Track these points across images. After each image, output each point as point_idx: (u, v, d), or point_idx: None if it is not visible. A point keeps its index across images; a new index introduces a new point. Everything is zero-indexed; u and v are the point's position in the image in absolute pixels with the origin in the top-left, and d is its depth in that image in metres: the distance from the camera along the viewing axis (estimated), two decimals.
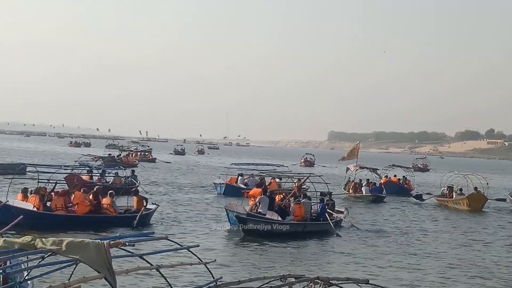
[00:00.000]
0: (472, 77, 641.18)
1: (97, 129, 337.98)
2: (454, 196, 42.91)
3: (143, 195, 29.68)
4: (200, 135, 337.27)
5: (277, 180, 41.87)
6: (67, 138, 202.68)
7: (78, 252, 7.43)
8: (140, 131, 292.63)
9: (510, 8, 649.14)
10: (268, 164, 61.04)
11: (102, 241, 7.57)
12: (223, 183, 43.21)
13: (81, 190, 26.39)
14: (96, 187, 27.75)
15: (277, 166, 57.05)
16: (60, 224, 23.80)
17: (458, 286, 18.48)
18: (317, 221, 27.86)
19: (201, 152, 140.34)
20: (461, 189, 43.54)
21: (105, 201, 26.21)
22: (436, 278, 19.24)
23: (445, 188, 44.93)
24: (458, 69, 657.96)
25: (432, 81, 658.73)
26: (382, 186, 46.43)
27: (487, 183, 45.10)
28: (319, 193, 31.34)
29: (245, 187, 40.07)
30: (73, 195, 25.96)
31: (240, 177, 44.15)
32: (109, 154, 72.43)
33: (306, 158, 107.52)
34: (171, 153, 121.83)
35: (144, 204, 27.37)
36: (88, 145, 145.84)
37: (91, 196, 25.78)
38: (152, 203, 29.19)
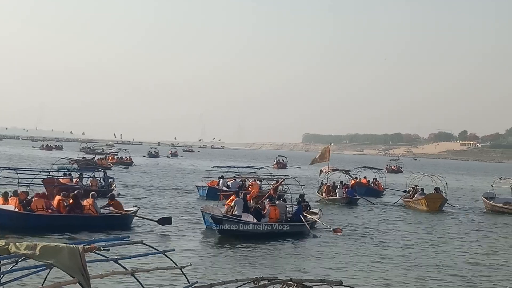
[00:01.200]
0: (445, 80, 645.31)
1: (71, 132, 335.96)
2: (415, 197, 43.53)
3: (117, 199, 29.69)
4: (175, 138, 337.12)
5: (258, 182, 42.05)
6: (40, 142, 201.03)
7: (52, 256, 7.40)
8: (114, 134, 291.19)
9: (479, 14, 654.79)
10: (248, 167, 61.48)
11: (76, 246, 7.55)
12: (205, 186, 43.26)
13: (61, 194, 26.36)
14: (77, 191, 27.89)
15: (257, 168, 57.30)
16: (42, 225, 23.98)
17: (427, 286, 18.65)
18: (293, 222, 27.97)
19: (174, 154, 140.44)
20: (422, 189, 44.01)
21: (87, 202, 26.31)
22: (406, 278, 19.39)
23: (410, 189, 45.42)
24: (431, 73, 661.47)
25: (406, 85, 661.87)
26: (355, 188, 46.61)
27: (446, 183, 45.83)
28: (298, 195, 31.70)
29: (227, 189, 40.15)
30: (54, 199, 26.04)
31: (221, 180, 44.17)
32: (83, 157, 72.16)
33: (279, 160, 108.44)
34: (144, 156, 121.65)
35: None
36: (60, 148, 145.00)
37: (71, 200, 25.81)
38: (133, 206, 29.35)
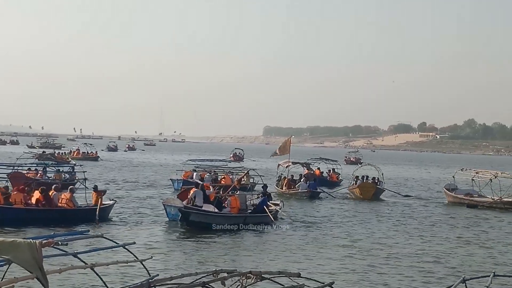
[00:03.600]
0: (404, 73, 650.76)
1: (30, 126, 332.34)
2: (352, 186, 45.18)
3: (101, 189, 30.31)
4: (135, 131, 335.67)
5: (229, 175, 42.53)
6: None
7: (10, 252, 7.34)
8: (74, 128, 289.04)
9: (438, 10, 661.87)
10: (221, 160, 62.00)
11: (34, 241, 7.50)
12: (180, 179, 43.61)
13: (39, 189, 26.62)
14: (54, 185, 28.24)
15: (229, 161, 57.90)
16: (19, 218, 24.29)
17: (384, 275, 18.88)
18: (256, 213, 28.35)
19: (132, 148, 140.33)
20: (357, 177, 45.97)
21: (64, 195, 26.62)
22: (364, 268, 19.60)
23: (354, 179, 46.73)
24: (391, 67, 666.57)
25: (366, 78, 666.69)
26: (317, 181, 46.79)
27: (382, 174, 47.11)
28: (262, 186, 32.34)
29: (201, 182, 40.35)
30: (33, 193, 26.41)
31: (195, 173, 44.63)
32: (44, 151, 71.58)
33: (235, 152, 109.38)
34: (102, 150, 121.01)
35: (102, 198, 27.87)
36: (16, 143, 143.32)
37: (39, 194, 26.05)
38: (110, 199, 29.62)
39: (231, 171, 43.04)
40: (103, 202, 27.72)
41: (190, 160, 53.55)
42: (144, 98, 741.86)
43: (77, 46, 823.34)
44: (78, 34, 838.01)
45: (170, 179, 46.98)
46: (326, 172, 57.22)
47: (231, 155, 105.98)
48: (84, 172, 32.37)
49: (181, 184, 42.20)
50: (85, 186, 30.42)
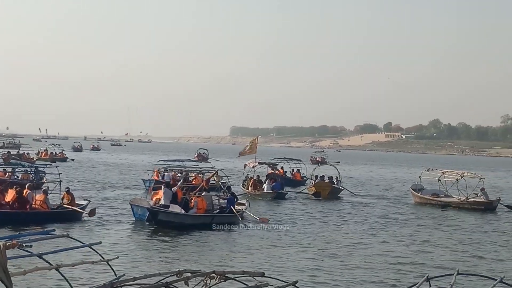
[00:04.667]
0: (369, 71, 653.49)
1: None
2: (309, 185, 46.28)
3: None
4: (101, 132, 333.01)
5: (200, 175, 42.76)
6: None
7: None
8: (39, 129, 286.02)
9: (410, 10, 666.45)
10: (191, 160, 62.46)
11: None
12: (152, 179, 43.62)
13: (14, 189, 26.73)
14: (28, 184, 28.45)
15: (200, 162, 58.04)
16: None
17: (351, 273, 19.10)
18: (224, 213, 28.71)
19: (96, 148, 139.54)
20: (317, 177, 47.15)
21: (39, 197, 26.81)
22: (330, 267, 19.81)
23: (314, 178, 47.86)
24: (355, 64, 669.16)
25: (329, 76, 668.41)
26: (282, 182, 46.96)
27: (339, 173, 48.75)
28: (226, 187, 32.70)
29: (168, 181, 40.42)
30: (6, 193, 26.56)
31: (166, 173, 44.88)
32: (8, 152, 70.94)
33: (200, 153, 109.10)
34: (67, 150, 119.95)
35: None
36: None
37: (13, 195, 26.19)
38: (84, 199, 29.96)
39: (202, 171, 43.11)
40: (77, 202, 28.01)
41: (162, 160, 53.63)
42: (112, 99, 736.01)
43: (51, 46, 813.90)
44: (53, 35, 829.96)
45: (142, 179, 47.10)
46: (290, 172, 57.71)
47: (196, 155, 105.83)
48: (59, 174, 32.21)
49: (153, 183, 42.39)
50: (60, 187, 30.24)
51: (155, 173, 46.23)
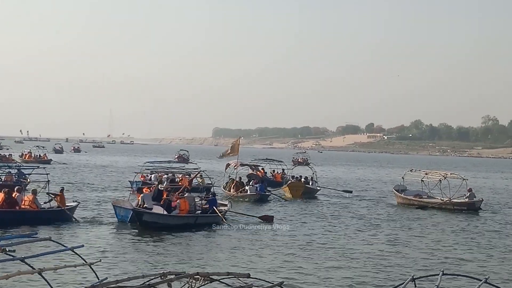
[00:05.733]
0: (350, 73, 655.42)
1: None
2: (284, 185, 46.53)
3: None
4: (83, 133, 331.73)
5: (187, 176, 42.66)
6: None
7: None
8: (21, 131, 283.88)
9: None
10: (178, 162, 63.08)
11: None
12: (139, 181, 43.56)
13: (1, 190, 26.99)
14: (17, 187, 28.51)
15: (180, 163, 58.20)
16: None
17: (334, 274, 19.11)
18: (207, 213, 28.87)
19: (77, 150, 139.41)
20: (293, 177, 47.90)
21: (27, 197, 27.08)
22: (315, 268, 19.82)
23: (290, 179, 48.27)
24: (337, 65, 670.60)
25: (311, 77, 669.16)
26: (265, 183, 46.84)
27: (313, 173, 49.56)
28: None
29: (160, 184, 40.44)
30: None
31: (153, 175, 44.93)
32: None
33: (180, 154, 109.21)
34: (48, 152, 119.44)
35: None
36: None
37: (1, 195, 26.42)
38: (73, 201, 30.09)
39: (188, 172, 43.11)
40: (66, 204, 28.13)
41: (149, 162, 53.63)
42: (94, 101, 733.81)
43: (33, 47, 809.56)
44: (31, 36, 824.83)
45: (129, 181, 46.99)
46: (270, 173, 57.82)
47: (176, 156, 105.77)
48: (47, 174, 32.08)
49: (140, 185, 42.35)
50: (48, 188, 30.15)
51: (141, 175, 46.05)
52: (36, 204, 26.94)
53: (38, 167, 41.98)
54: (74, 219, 27.54)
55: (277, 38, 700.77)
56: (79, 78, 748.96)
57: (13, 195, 26.51)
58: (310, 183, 47.82)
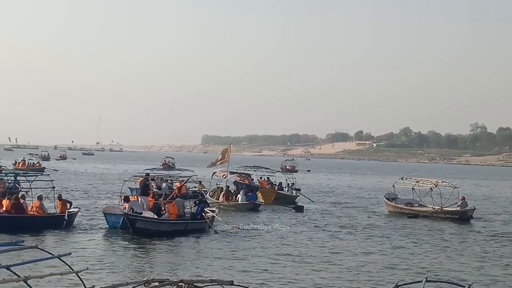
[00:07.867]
0: (339, 80, 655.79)
1: None
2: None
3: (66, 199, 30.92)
4: (72, 141, 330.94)
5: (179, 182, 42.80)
6: None
7: None
8: (9, 138, 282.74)
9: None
10: (175, 169, 63.28)
11: None
12: (138, 188, 43.50)
13: (5, 197, 27.55)
14: (21, 194, 29.31)
15: (182, 170, 58.08)
16: None
17: (320, 280, 19.18)
18: (195, 219, 29.10)
19: (63, 157, 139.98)
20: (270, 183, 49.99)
21: (34, 203, 27.65)
22: (299, 275, 19.91)
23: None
24: (325, 73, 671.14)
25: (300, 84, 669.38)
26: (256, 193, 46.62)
27: (286, 179, 52.16)
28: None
29: (158, 190, 40.14)
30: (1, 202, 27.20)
31: (164, 184, 44.54)
32: None
33: (165, 161, 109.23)
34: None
35: (68, 207, 28.71)
36: None
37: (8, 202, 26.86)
38: (74, 207, 30.15)
39: (184, 180, 43.11)
40: (69, 209, 28.53)
41: (148, 169, 53.78)
42: (83, 108, 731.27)
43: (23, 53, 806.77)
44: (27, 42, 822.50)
45: (129, 188, 46.95)
46: (257, 180, 57.61)
47: (161, 164, 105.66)
48: (52, 181, 32.04)
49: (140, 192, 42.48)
50: (54, 194, 30.23)
51: (139, 181, 45.88)
52: (43, 210, 27.60)
53: (41, 174, 42.33)
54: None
55: (265, 44, 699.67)
56: (66, 84, 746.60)
57: (20, 201, 27.10)
58: (286, 190, 48.92)
